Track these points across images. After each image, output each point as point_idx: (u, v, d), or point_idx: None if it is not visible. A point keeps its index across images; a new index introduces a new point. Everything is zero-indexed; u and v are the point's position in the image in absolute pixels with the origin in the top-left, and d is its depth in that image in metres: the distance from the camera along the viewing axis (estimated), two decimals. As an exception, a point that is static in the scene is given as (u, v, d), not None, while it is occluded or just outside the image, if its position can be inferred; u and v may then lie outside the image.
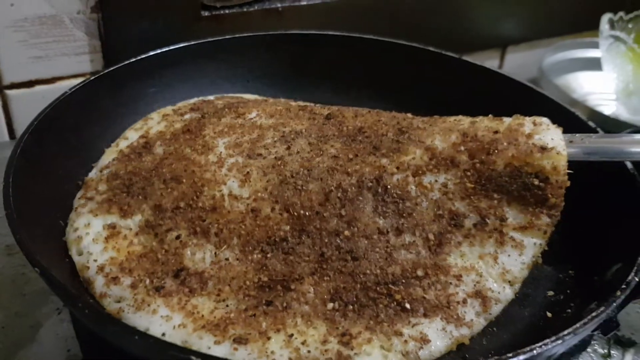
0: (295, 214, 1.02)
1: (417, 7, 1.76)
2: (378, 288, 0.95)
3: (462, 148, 1.07)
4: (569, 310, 0.84)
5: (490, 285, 0.98)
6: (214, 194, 1.05)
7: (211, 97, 1.41)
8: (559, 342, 0.78)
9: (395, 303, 0.93)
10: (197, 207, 1.03)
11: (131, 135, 1.26)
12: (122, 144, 1.23)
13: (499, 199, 1.04)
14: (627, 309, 1.05)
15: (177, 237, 0.99)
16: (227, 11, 1.52)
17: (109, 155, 1.20)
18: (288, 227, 1.00)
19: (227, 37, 1.40)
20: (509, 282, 0.98)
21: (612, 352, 0.97)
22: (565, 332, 0.79)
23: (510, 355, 0.76)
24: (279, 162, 1.09)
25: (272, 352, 0.85)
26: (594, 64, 1.89)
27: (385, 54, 1.44)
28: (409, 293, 0.94)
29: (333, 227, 1.00)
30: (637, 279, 0.84)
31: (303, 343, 0.87)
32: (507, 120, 1.11)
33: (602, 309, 0.81)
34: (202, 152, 1.13)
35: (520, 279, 0.99)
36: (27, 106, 1.25)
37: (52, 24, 1.33)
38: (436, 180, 1.06)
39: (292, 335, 0.87)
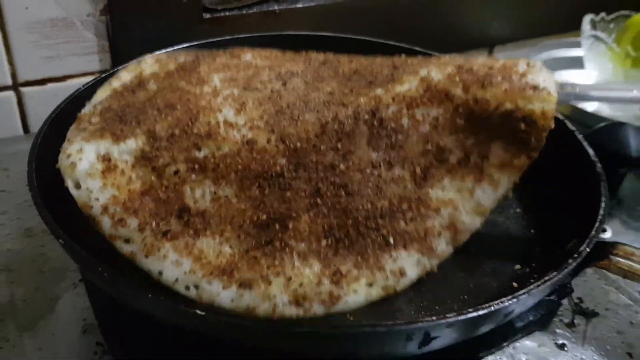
0: (292, 145, 1.03)
1: (409, 9, 1.91)
2: (367, 223, 1.03)
3: (457, 79, 1.07)
4: (532, 280, 0.98)
5: (463, 218, 1.07)
6: (209, 120, 1.04)
7: None
8: (514, 300, 0.93)
9: (381, 237, 1.02)
10: (192, 134, 1.02)
11: (124, 76, 1.19)
12: (115, 83, 1.17)
13: (485, 138, 1.07)
14: (591, 284, 1.24)
15: (176, 172, 1.01)
16: (227, 13, 1.64)
17: (103, 93, 1.15)
18: (284, 161, 1.03)
19: (227, 37, 1.51)
20: (481, 214, 1.08)
21: (575, 321, 1.15)
22: (520, 292, 0.94)
23: (470, 310, 0.90)
24: (275, 95, 1.08)
25: (274, 296, 0.97)
26: (577, 63, 2.00)
27: (375, 53, 1.35)
28: (393, 227, 1.04)
29: (329, 160, 1.03)
30: (587, 250, 0.98)
31: (300, 285, 0.98)
32: (502, 60, 1.11)
33: (554, 274, 0.96)
34: (197, 84, 1.10)
35: (489, 211, 1.09)
36: (40, 102, 1.50)
37: (63, 25, 1.45)
38: (428, 114, 1.07)
39: (290, 278, 0.98)
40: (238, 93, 1.09)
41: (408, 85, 1.08)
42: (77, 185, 1.00)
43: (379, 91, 1.08)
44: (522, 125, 1.04)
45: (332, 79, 1.14)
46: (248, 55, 1.23)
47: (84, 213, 0.99)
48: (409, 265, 1.04)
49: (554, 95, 1.04)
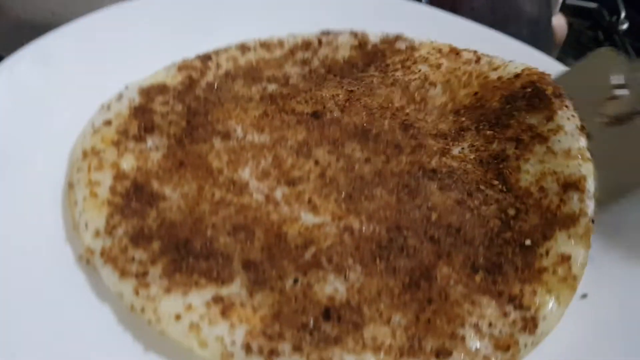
0: (383, 217, 1.00)
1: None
2: (495, 242, 0.98)
3: (463, 119, 1.20)
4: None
5: (567, 171, 1.04)
6: (298, 230, 0.95)
7: (132, 97, 1.15)
8: None
9: (517, 245, 0.97)
10: (291, 248, 0.92)
11: (98, 178, 0.99)
12: (99, 191, 0.97)
13: (517, 119, 1.15)
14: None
15: (295, 281, 0.87)
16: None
17: (96, 211, 0.94)
18: (385, 231, 0.97)
19: None
20: (575, 157, 1.05)
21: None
22: None
23: None
24: (327, 181, 1.05)
25: (477, 350, 0.83)
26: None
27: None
28: (520, 231, 0.99)
29: (420, 215, 1.01)
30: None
31: (490, 325, 0.86)
32: (472, 79, 1.26)
33: None
34: (239, 193, 1.00)
35: (584, 150, 1.06)
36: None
37: None
38: (462, 148, 1.16)
39: (476, 324, 0.86)
40: (290, 191, 1.01)
41: (433, 145, 1.15)
42: (204, 344, 0.80)
43: (415, 157, 1.12)
44: (529, 90, 1.16)
45: (349, 141, 1.13)
46: (238, 130, 1.11)
47: (225, 370, 0.79)
48: (564, 246, 0.96)
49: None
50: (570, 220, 0.99)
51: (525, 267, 0.94)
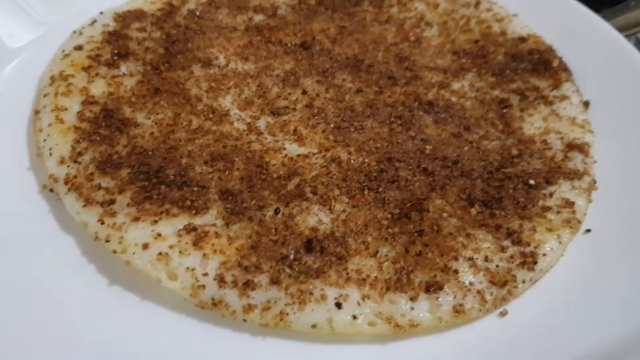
0: (373, 148, 0.93)
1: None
2: (495, 175, 0.91)
3: (464, 61, 1.14)
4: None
5: (571, 135, 0.99)
6: (281, 160, 0.88)
7: (106, 22, 1.07)
8: None
9: (521, 183, 0.90)
10: (273, 178, 0.85)
11: (66, 104, 0.91)
12: (66, 117, 0.89)
13: (521, 78, 1.11)
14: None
15: (277, 212, 0.80)
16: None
17: (61, 138, 0.87)
18: (375, 162, 0.91)
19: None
20: (581, 126, 1.00)
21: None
22: None
23: None
24: (315, 110, 0.98)
25: (471, 284, 0.77)
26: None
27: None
28: (522, 170, 0.92)
29: (414, 147, 0.95)
30: None
31: (487, 260, 0.79)
32: (472, 25, 1.21)
33: None
34: (219, 121, 0.93)
35: (587, 122, 1.01)
36: None
37: None
38: (462, 85, 1.09)
39: (471, 257, 0.79)
40: (274, 121, 0.94)
41: (429, 77, 1.08)
42: (174, 276, 0.74)
43: (410, 88, 1.05)
44: (536, 56, 1.13)
45: (340, 71, 1.06)
46: (220, 58, 1.04)
47: (200, 305, 0.72)
48: (567, 194, 0.89)
49: (539, 37, 1.18)
50: (574, 175, 0.93)
51: (528, 202, 0.87)
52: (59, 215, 0.82)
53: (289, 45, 1.09)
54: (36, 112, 0.92)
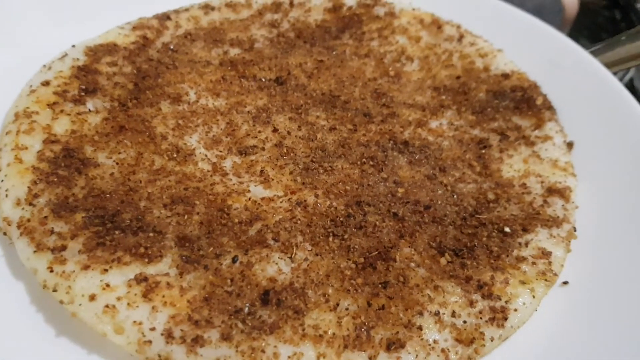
0: (342, 191, 0.90)
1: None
2: (468, 222, 0.87)
3: (444, 97, 1.11)
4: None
5: (552, 179, 0.95)
6: (244, 204, 0.85)
7: (76, 56, 1.04)
8: None
9: (495, 230, 0.86)
10: (234, 223, 0.82)
11: (27, 142, 0.88)
12: (25, 156, 0.87)
13: (503, 116, 1.07)
14: None
15: (234, 260, 0.77)
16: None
17: (18, 178, 0.84)
18: (343, 206, 0.87)
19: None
20: (563, 169, 0.97)
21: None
22: None
23: None
24: (284, 150, 0.95)
25: (435, 342, 0.73)
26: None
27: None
28: (498, 216, 0.89)
29: (385, 190, 0.91)
30: None
31: (454, 315, 0.75)
32: (455, 59, 1.18)
33: None
34: (183, 161, 0.90)
35: (570, 164, 0.98)
36: None
37: None
38: (441, 123, 1.06)
39: (437, 312, 0.75)
40: (242, 160, 0.91)
41: (407, 115, 1.05)
42: (120, 329, 0.70)
43: (386, 126, 1.02)
44: (519, 94, 1.10)
45: (314, 108, 1.03)
46: (191, 94, 1.01)
47: (140, 358, 0.69)
48: (544, 243, 0.86)
49: (523, 74, 1.14)
50: (553, 222, 0.89)
51: (502, 252, 0.83)
52: (11, 260, 0.79)
53: (264, 80, 1.07)
54: (-3, 151, 0.89)
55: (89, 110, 0.95)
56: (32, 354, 0.71)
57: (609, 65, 1.11)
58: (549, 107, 1.07)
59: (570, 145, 1.01)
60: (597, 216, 0.91)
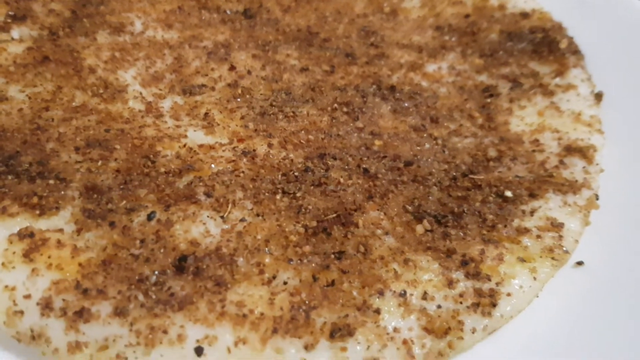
0: (304, 141, 0.73)
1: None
2: (459, 183, 0.70)
3: (447, 38, 0.94)
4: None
5: (573, 135, 0.77)
6: (177, 151, 0.69)
7: None
8: None
9: (493, 194, 0.69)
10: (159, 173, 0.66)
11: None
12: None
13: (517, 62, 0.90)
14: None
15: (150, 217, 0.61)
16: None
17: None
18: (302, 159, 0.71)
19: None
20: (588, 124, 0.78)
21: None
22: None
23: None
24: (239, 91, 0.79)
25: (395, 330, 0.57)
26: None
27: None
28: (498, 178, 0.71)
29: (358, 142, 0.75)
30: None
31: (425, 297, 0.58)
32: None
33: None
34: (110, 98, 0.75)
35: (597, 119, 0.79)
36: None
37: None
38: (439, 67, 0.89)
39: (403, 292, 0.58)
40: (184, 101, 0.75)
41: (399, 57, 0.88)
42: (-11, 296, 0.55)
43: (372, 68, 0.85)
44: (539, 35, 0.92)
45: (286, 45, 0.86)
46: (137, 24, 0.86)
47: (16, 337, 0.54)
48: (556, 212, 0.67)
49: (546, 12, 0.97)
50: (569, 187, 0.71)
51: (499, 221, 0.65)
52: None
53: (229, 12, 0.90)
54: None
55: (12, 38, 0.80)
56: None
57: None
58: (575, 52, 0.88)
59: (598, 96, 0.82)
60: (626, 183, 0.72)
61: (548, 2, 0.96)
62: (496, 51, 0.89)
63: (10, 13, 0.84)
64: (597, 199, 0.70)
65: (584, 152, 0.74)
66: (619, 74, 0.85)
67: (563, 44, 0.88)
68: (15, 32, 0.81)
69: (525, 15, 0.94)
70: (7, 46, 0.79)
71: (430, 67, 0.87)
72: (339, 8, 0.94)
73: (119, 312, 0.54)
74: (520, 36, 0.91)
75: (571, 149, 0.74)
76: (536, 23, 0.92)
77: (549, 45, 0.89)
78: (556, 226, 0.66)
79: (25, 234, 0.59)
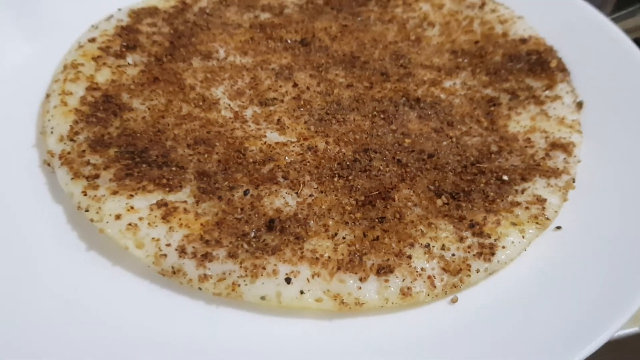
0: (352, 139, 0.96)
1: None
2: (469, 170, 0.92)
3: (460, 60, 1.15)
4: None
5: (557, 134, 0.98)
6: (260, 147, 0.93)
7: (121, 18, 1.15)
8: None
9: (494, 178, 0.91)
10: (249, 163, 0.90)
11: (72, 89, 0.99)
12: (70, 100, 0.98)
13: (516, 78, 1.11)
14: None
15: (246, 193, 0.85)
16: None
17: (63, 118, 0.95)
18: (351, 152, 0.94)
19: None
20: (569, 126, 1.00)
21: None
22: None
23: None
24: (302, 103, 1.03)
25: (422, 269, 0.79)
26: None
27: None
28: (498, 166, 0.93)
29: (392, 140, 0.97)
30: None
31: (443, 248, 0.81)
32: (475, 26, 1.22)
33: None
34: (208, 109, 0.99)
35: (577, 122, 1.01)
36: None
37: None
38: (454, 83, 1.11)
39: (427, 245, 0.81)
40: (261, 111, 0.99)
41: (423, 75, 1.10)
42: (140, 245, 0.80)
43: (402, 85, 1.08)
44: (534, 57, 1.13)
45: (334, 67, 1.10)
46: (221, 52, 1.11)
47: (162, 273, 0.78)
48: (541, 191, 0.90)
49: (542, 39, 1.17)
50: (552, 172, 0.93)
51: (498, 197, 0.88)
52: (52, 186, 0.90)
53: (289, 41, 1.14)
54: (47, 96, 1.00)
55: (128, 63, 1.06)
56: (67, 263, 0.81)
57: (629, 31, 1.13)
58: (563, 69, 1.10)
59: (579, 105, 1.04)
60: (598, 171, 0.94)
61: (542, 30, 1.17)
62: (499, 70, 1.11)
63: (123, 44, 1.09)
64: (574, 182, 0.92)
65: (565, 147, 0.96)
66: (597, 87, 1.05)
67: (553, 64, 1.10)
68: (130, 58, 1.07)
69: (523, 40, 1.16)
70: (126, 70, 1.04)
71: (447, 83, 1.09)
72: (375, 37, 1.17)
73: (231, 255, 0.78)
74: (518, 58, 1.12)
75: (555, 145, 0.96)
76: (532, 47, 1.14)
77: (541, 64, 1.10)
78: (541, 201, 0.88)
79: (161, 204, 0.83)
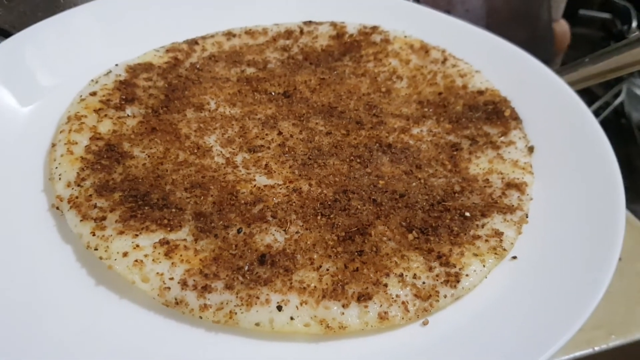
0: (332, 182, 1.08)
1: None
2: (436, 208, 1.04)
3: (426, 109, 1.30)
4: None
5: (512, 175, 1.12)
6: (250, 189, 1.04)
7: (119, 73, 1.26)
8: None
9: (457, 215, 1.03)
10: (241, 204, 1.01)
11: (77, 139, 1.09)
12: (75, 149, 1.08)
13: (475, 125, 1.25)
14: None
15: (239, 231, 0.95)
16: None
17: (69, 166, 1.04)
18: (332, 193, 1.05)
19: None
20: (522, 168, 1.13)
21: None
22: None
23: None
24: (286, 150, 1.14)
25: (397, 296, 0.89)
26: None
27: None
28: (461, 204, 1.05)
29: (368, 182, 1.09)
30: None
31: (415, 277, 0.92)
32: (438, 79, 1.37)
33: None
34: (202, 155, 1.10)
35: (529, 165, 1.14)
36: None
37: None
38: (421, 130, 1.24)
39: (401, 274, 0.92)
40: (251, 157, 1.10)
41: (393, 124, 1.24)
42: (146, 279, 0.89)
43: (375, 132, 1.21)
44: (490, 107, 1.28)
45: (314, 116, 1.22)
46: (212, 103, 1.22)
47: (165, 304, 0.87)
48: (499, 225, 1.02)
49: (496, 90, 1.33)
50: (507, 209, 1.05)
51: (461, 231, 1.00)
52: (61, 228, 0.99)
53: (273, 94, 1.27)
54: (53, 145, 1.10)
55: (128, 115, 1.16)
56: (77, 298, 0.90)
57: (572, 83, 1.29)
58: (515, 118, 1.24)
59: (531, 149, 1.17)
60: (548, 207, 1.06)
61: (498, 82, 1.32)
62: (460, 118, 1.24)
63: (122, 97, 1.20)
64: (527, 217, 1.04)
65: (519, 187, 1.08)
66: (545, 133, 1.19)
67: (507, 112, 1.23)
68: (129, 110, 1.17)
69: (481, 92, 1.30)
70: (126, 121, 1.15)
71: (415, 130, 1.22)
72: (350, 89, 1.30)
73: (228, 287, 0.87)
74: (477, 107, 1.26)
75: (510, 185, 1.09)
76: (489, 98, 1.28)
77: (497, 113, 1.24)
78: (499, 234, 0.99)
79: (164, 242, 0.93)
